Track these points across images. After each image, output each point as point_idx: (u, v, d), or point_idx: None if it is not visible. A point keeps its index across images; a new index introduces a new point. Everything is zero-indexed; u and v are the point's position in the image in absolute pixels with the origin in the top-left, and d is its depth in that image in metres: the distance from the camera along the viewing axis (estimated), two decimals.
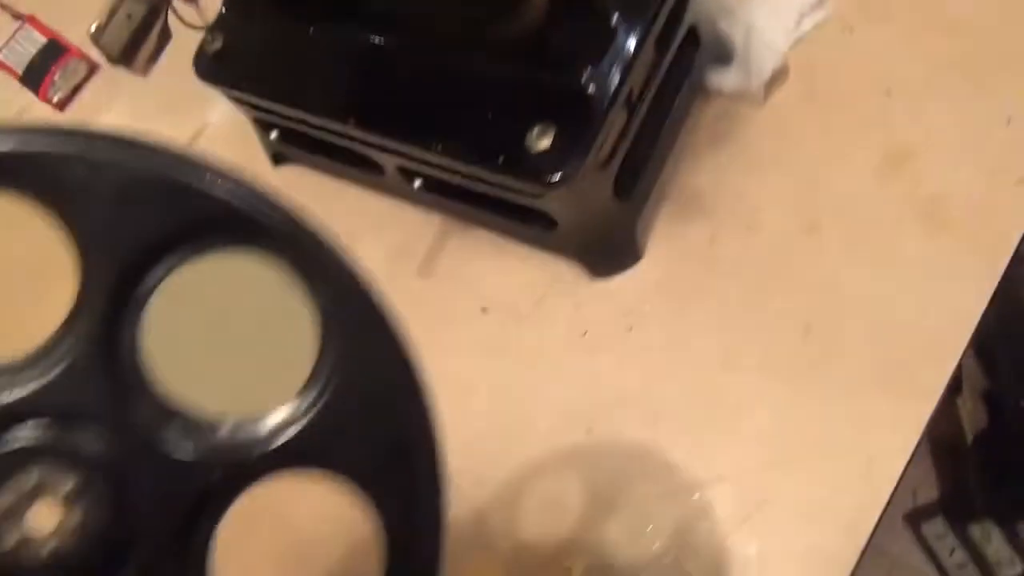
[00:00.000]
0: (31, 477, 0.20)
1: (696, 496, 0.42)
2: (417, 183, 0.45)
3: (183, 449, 0.21)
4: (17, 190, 0.20)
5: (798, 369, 0.43)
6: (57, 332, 0.21)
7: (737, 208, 0.46)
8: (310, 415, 0.21)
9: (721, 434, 0.43)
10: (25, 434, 0.21)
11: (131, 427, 0.21)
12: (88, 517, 0.20)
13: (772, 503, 0.41)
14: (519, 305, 0.48)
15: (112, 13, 0.59)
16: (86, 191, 0.20)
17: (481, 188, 0.42)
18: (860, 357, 0.42)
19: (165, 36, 0.62)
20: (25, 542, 0.20)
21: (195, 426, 0.21)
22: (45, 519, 0.20)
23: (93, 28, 0.60)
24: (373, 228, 0.52)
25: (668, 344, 0.45)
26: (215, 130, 0.59)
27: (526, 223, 0.44)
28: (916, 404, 0.40)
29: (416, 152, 0.42)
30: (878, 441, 0.40)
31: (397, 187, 0.49)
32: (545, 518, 0.44)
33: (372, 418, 0.21)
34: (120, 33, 0.60)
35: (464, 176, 0.42)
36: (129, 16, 0.60)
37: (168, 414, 0.21)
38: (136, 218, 0.20)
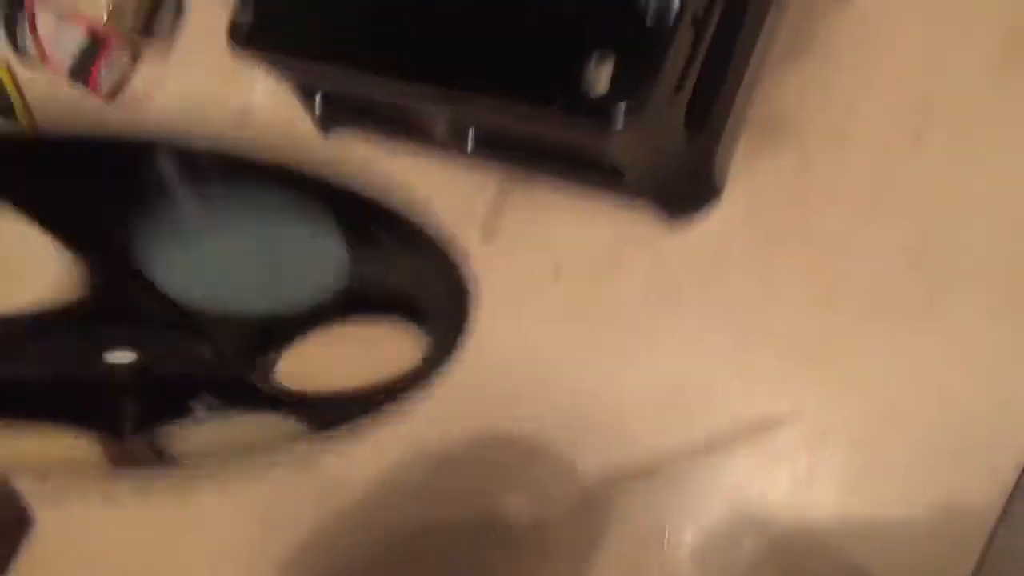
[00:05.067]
0: None
1: (800, 461, 0.39)
2: (470, 141, 0.42)
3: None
4: None
5: (908, 303, 0.38)
6: None
7: (827, 125, 0.41)
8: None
9: (823, 386, 0.39)
10: None
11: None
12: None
13: (883, 465, 0.37)
14: (593, 262, 0.45)
15: None
16: None
17: (537, 137, 0.39)
18: (981, 285, 0.37)
19: (178, 13, 0.60)
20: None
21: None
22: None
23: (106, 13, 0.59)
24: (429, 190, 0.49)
25: (757, 289, 0.41)
26: (260, 106, 0.57)
27: (591, 171, 0.41)
28: None
29: (464, 99, 0.38)
30: (1009, 380, 0.35)
31: (450, 145, 0.46)
32: (640, 484, 0.42)
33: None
34: (134, 12, 0.59)
35: (518, 125, 0.38)
36: None
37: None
38: None
